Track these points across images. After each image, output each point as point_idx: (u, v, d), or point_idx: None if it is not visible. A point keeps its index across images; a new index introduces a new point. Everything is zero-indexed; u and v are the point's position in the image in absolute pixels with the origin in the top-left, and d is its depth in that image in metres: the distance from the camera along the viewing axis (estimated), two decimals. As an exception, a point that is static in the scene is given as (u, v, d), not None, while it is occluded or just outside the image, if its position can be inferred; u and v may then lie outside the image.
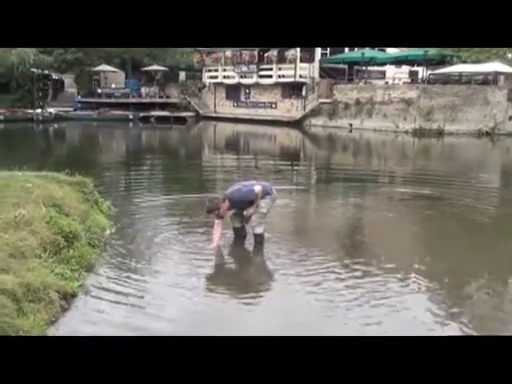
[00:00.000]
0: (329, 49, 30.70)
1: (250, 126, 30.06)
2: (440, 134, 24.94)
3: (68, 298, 4.52)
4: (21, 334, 3.48)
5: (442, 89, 26.14)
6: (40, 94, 34.69)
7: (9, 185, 6.47)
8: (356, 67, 30.10)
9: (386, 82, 29.49)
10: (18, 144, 21.51)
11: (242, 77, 33.00)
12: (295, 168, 15.77)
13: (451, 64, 29.84)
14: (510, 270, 5.99)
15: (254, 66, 32.00)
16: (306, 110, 29.83)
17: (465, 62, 30.30)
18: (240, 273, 5.95)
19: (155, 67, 36.02)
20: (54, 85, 36.81)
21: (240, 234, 6.59)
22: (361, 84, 28.98)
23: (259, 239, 6.38)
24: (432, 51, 26.57)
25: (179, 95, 35.63)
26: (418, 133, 25.02)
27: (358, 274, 5.53)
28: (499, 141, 24.04)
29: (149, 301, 4.73)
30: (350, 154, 21.01)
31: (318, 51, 30.55)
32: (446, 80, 28.87)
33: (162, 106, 34.35)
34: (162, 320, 4.35)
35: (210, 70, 35.06)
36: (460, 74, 29.60)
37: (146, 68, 36.11)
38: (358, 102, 27.59)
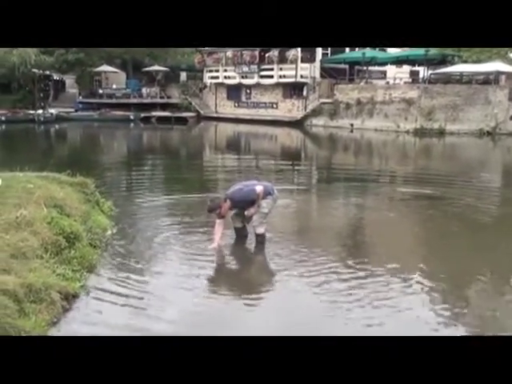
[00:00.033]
0: (330, 49, 30.71)
1: (251, 126, 30.06)
2: (441, 133, 24.93)
3: (69, 298, 4.52)
4: (22, 334, 3.49)
5: (443, 88, 26.12)
6: (41, 94, 34.73)
7: (10, 185, 6.47)
8: (357, 67, 30.08)
9: (387, 82, 29.48)
10: (19, 145, 21.53)
11: (242, 77, 33.01)
12: (296, 168, 15.77)
13: (452, 64, 29.83)
14: (512, 269, 5.98)
15: (255, 67, 32.01)
16: (307, 110, 29.82)
17: (466, 61, 30.29)
18: (241, 273, 5.95)
19: (156, 68, 36.05)
20: (56, 85, 36.85)
21: (241, 234, 6.59)
22: (362, 84, 28.97)
23: (260, 239, 6.38)
24: (433, 51, 26.55)
25: (180, 95, 35.65)
26: (419, 132, 25.01)
27: (359, 274, 5.52)
28: (500, 140, 24.01)
29: (150, 302, 4.72)
30: (351, 153, 21.00)
31: (319, 51, 30.55)
32: (447, 80, 28.84)
33: (163, 107, 34.37)
34: (163, 321, 4.34)
35: (210, 71, 35.06)
36: (461, 74, 29.57)
37: (147, 68, 36.12)
38: (359, 102, 27.58)
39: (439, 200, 9.73)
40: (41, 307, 4.08)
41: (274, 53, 30.65)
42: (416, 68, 32.16)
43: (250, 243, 6.49)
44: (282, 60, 30.66)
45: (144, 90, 36.36)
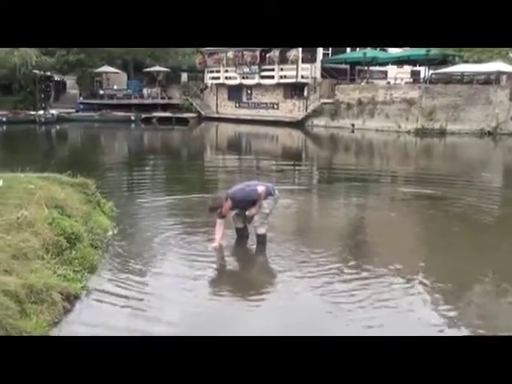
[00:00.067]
0: (330, 49, 30.69)
1: (252, 126, 30.06)
2: (442, 133, 24.92)
3: (71, 299, 4.52)
4: (23, 335, 3.49)
5: (444, 88, 26.11)
6: (42, 95, 34.77)
7: (11, 186, 6.48)
8: (358, 67, 30.07)
9: (388, 82, 29.47)
10: (20, 145, 21.55)
11: (243, 77, 33.03)
12: (297, 168, 15.77)
13: (453, 64, 29.83)
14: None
15: (256, 67, 32.02)
16: (308, 111, 29.81)
17: (467, 61, 30.29)
18: (242, 274, 5.95)
19: (157, 68, 36.09)
20: (56, 86, 36.90)
21: (242, 235, 6.59)
22: (363, 84, 28.97)
23: (261, 240, 6.37)
24: (434, 51, 26.53)
25: (181, 96, 35.68)
26: (420, 133, 25.00)
27: (361, 274, 5.51)
28: (501, 140, 23.99)
29: (150, 303, 4.70)
30: (352, 154, 21.00)
31: (320, 51, 30.53)
32: (448, 80, 28.85)
33: (164, 107, 34.39)
34: (163, 323, 4.32)
35: (211, 71, 35.09)
36: (462, 74, 29.57)
37: (147, 69, 36.16)
38: (359, 102, 27.58)
39: (440, 200, 9.73)
40: (42, 308, 4.08)
41: (275, 53, 30.66)
42: (417, 68, 32.15)
43: (251, 244, 6.49)
44: (283, 60, 30.66)
45: (145, 91, 36.39)
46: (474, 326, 4.40)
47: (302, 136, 27.13)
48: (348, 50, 30.68)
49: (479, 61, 29.96)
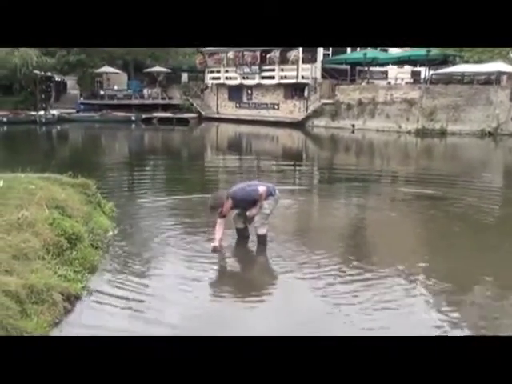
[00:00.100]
0: (331, 49, 30.71)
1: (253, 126, 30.07)
2: (443, 134, 24.91)
3: (71, 299, 4.51)
4: (24, 335, 3.49)
5: (444, 89, 26.11)
6: (43, 95, 34.84)
7: (12, 186, 6.48)
8: (358, 68, 30.08)
9: (389, 83, 29.48)
10: (20, 146, 21.55)
11: (244, 78, 33.04)
12: (298, 168, 15.77)
13: (454, 64, 29.82)
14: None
15: (257, 67, 32.03)
16: (309, 111, 29.81)
17: (467, 61, 30.28)
18: (243, 275, 5.94)
19: (157, 69, 36.11)
20: (57, 87, 36.96)
21: (243, 235, 6.58)
22: (363, 84, 28.97)
23: (262, 240, 6.37)
24: (434, 51, 26.54)
25: (181, 96, 35.71)
26: (421, 133, 25.00)
27: (362, 275, 5.49)
28: (502, 141, 23.98)
29: (151, 305, 4.69)
30: (353, 154, 20.99)
31: (320, 52, 30.55)
32: (449, 80, 28.84)
33: (165, 108, 34.41)
34: (164, 324, 4.30)
35: (212, 72, 35.12)
36: (462, 74, 29.56)
37: (148, 69, 36.19)
38: (360, 103, 27.58)
39: (441, 200, 9.72)
40: (43, 308, 4.08)
41: (276, 53, 30.68)
42: (417, 68, 32.13)
43: (252, 244, 6.48)
44: (284, 61, 30.68)
45: (145, 91, 36.43)
46: (476, 327, 4.38)
47: (303, 136, 27.13)
48: (348, 50, 30.68)
49: (480, 61, 29.96)
